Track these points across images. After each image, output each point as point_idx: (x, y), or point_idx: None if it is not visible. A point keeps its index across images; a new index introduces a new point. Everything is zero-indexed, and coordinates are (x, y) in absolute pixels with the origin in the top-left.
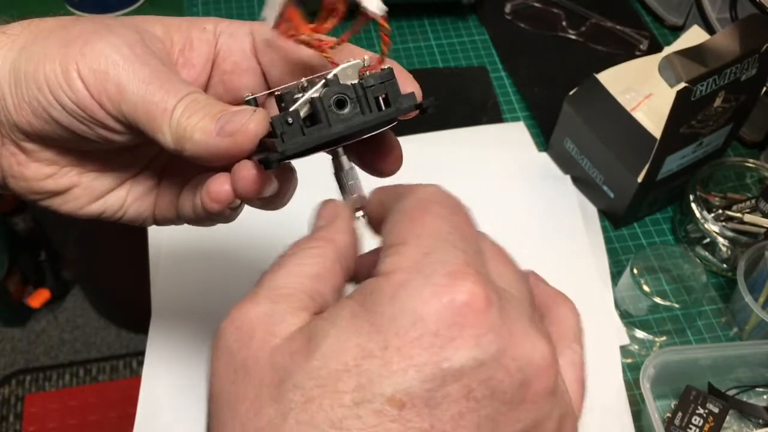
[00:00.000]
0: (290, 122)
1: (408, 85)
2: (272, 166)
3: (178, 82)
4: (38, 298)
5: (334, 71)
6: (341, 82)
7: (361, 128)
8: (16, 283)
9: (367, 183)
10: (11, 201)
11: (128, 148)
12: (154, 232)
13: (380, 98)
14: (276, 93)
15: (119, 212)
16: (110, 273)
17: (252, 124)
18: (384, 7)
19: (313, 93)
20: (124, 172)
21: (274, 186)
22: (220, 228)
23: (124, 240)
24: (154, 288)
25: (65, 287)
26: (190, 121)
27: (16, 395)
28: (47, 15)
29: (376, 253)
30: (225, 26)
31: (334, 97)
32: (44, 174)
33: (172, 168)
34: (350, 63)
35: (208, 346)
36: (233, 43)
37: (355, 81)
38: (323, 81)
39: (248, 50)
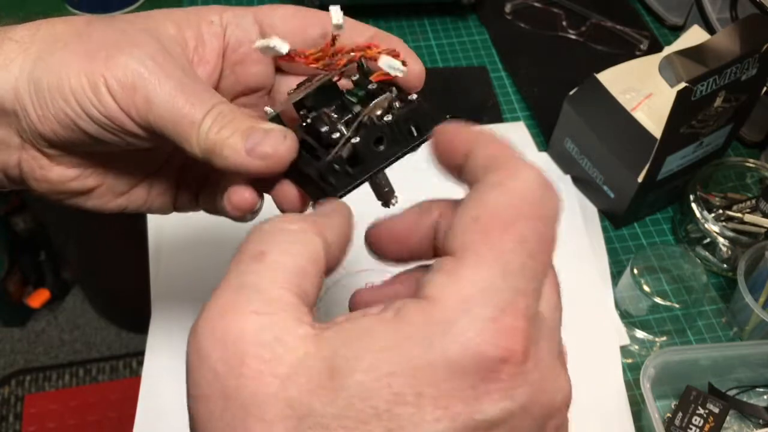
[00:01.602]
0: (337, 169)
1: (412, 61)
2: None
3: (203, 92)
4: (38, 298)
5: (367, 111)
6: (374, 113)
7: (397, 157)
8: (16, 283)
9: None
10: (11, 201)
11: (149, 147)
12: (154, 232)
13: (411, 127)
14: (298, 99)
15: (143, 206)
16: (110, 273)
17: (284, 148)
18: (403, 69)
19: (352, 135)
20: (145, 169)
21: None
22: (221, 228)
23: (124, 240)
24: (154, 288)
25: (65, 287)
26: (219, 136)
27: (16, 395)
28: (47, 15)
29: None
30: (230, 16)
31: (374, 137)
32: (68, 177)
33: (192, 163)
34: (381, 98)
35: None
36: (241, 34)
37: (388, 116)
38: (358, 120)
39: (256, 40)
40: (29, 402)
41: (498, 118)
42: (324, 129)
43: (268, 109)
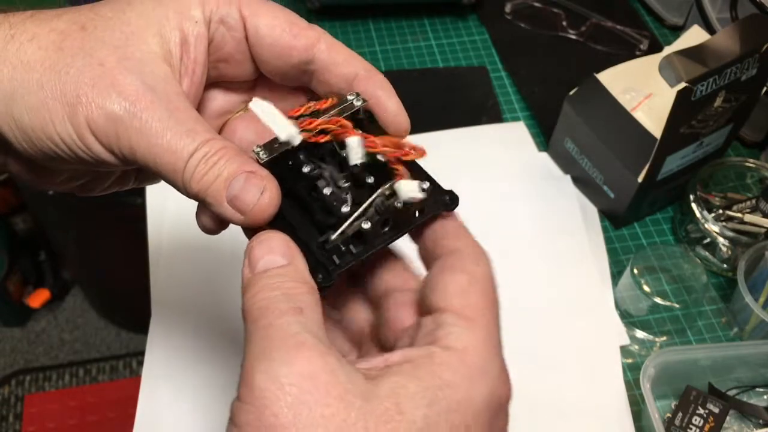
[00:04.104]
0: (343, 250)
1: (389, 100)
2: (330, 283)
3: (187, 131)
4: (38, 298)
5: (379, 194)
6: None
7: (399, 237)
8: (16, 283)
9: None
10: (11, 201)
11: None
12: (154, 232)
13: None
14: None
15: (135, 184)
16: (110, 273)
17: (264, 202)
18: (425, 189)
19: (363, 222)
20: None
21: None
22: None
23: (124, 240)
24: (154, 288)
25: (65, 287)
26: (202, 184)
27: (16, 395)
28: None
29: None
30: (213, 8)
31: (383, 221)
32: (58, 179)
33: None
34: (393, 182)
35: (208, 346)
36: (226, 34)
37: (397, 200)
38: (371, 202)
39: (241, 40)
40: (29, 402)
41: (498, 118)
42: (327, 191)
43: (256, 150)
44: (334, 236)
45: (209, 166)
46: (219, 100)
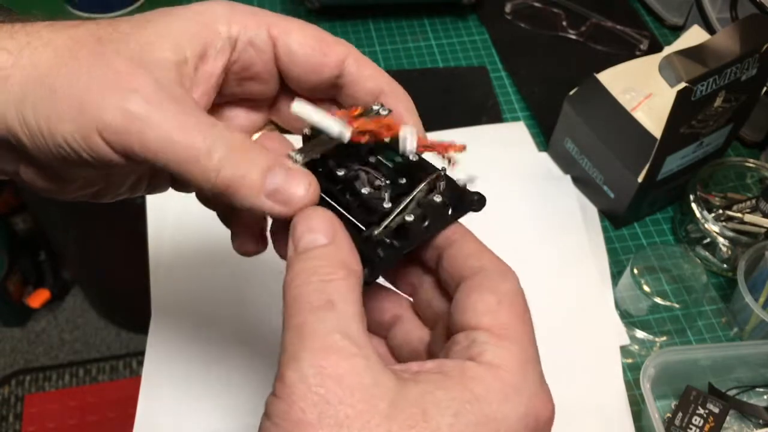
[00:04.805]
0: (387, 243)
1: (404, 108)
2: (375, 277)
3: (208, 125)
4: (38, 298)
5: (420, 189)
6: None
7: (436, 232)
8: (16, 283)
9: None
10: (11, 201)
11: None
12: (154, 232)
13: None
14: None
15: (143, 192)
16: (110, 273)
17: (309, 195)
18: (413, 149)
19: (406, 215)
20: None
21: None
22: (221, 228)
23: (124, 240)
24: (154, 288)
25: (65, 287)
26: (234, 174)
27: (16, 395)
28: (47, 15)
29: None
30: (241, 30)
31: (423, 215)
32: (71, 187)
33: None
34: (432, 177)
35: (208, 346)
36: (254, 54)
37: (436, 195)
38: (412, 198)
39: (270, 62)
40: (29, 402)
41: (498, 118)
42: (366, 191)
43: (292, 154)
44: (378, 230)
45: (242, 154)
46: (240, 118)
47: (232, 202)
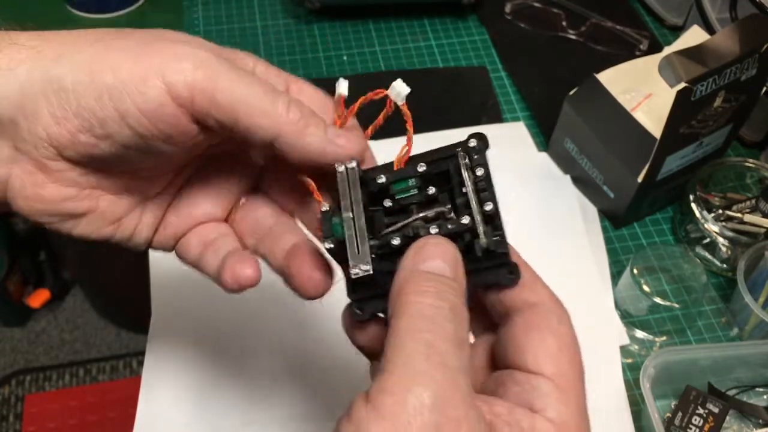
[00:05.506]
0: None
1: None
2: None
3: (271, 84)
4: (38, 298)
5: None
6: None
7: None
8: (16, 283)
9: None
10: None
11: (148, 169)
12: None
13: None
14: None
15: (129, 238)
16: (110, 273)
17: (365, 144)
18: (403, 96)
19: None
20: (143, 193)
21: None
22: None
23: None
24: (154, 288)
25: (65, 287)
26: (303, 118)
27: (16, 395)
28: (47, 15)
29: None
30: (263, 71)
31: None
32: (62, 196)
33: (187, 195)
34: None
35: (207, 345)
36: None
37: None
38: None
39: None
40: (29, 402)
41: (498, 118)
42: (433, 231)
43: (325, 205)
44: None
45: (303, 107)
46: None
47: (295, 143)
